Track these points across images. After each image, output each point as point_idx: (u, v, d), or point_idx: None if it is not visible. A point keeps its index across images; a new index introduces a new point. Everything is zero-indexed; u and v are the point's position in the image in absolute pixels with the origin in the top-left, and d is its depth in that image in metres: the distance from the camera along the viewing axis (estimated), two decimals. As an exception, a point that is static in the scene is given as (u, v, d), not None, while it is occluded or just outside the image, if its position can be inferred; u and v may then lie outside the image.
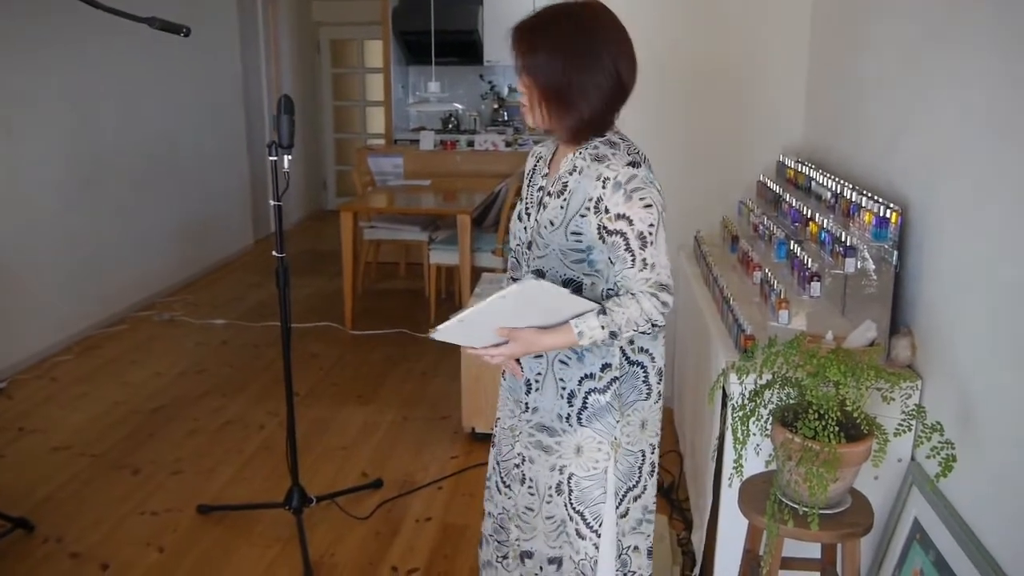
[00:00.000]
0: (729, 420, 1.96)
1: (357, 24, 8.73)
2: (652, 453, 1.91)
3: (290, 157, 2.69)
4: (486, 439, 3.68)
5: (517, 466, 1.96)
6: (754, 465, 2.08)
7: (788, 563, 2.09)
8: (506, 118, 8.06)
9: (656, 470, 1.93)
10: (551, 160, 1.88)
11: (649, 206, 1.68)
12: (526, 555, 1.97)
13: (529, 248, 1.84)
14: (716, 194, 3.73)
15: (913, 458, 2.23)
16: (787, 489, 1.90)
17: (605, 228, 1.70)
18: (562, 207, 1.75)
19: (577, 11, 1.71)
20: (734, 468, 1.87)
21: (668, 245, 1.74)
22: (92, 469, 3.44)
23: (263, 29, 7.76)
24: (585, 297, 1.72)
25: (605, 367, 1.81)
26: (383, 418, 3.94)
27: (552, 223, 1.76)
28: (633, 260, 1.69)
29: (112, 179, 5.28)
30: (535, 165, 1.93)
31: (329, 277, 6.37)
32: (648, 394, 1.86)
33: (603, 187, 1.69)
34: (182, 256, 6.20)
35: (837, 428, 1.74)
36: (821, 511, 1.81)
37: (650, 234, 1.68)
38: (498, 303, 1.61)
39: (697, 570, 2.66)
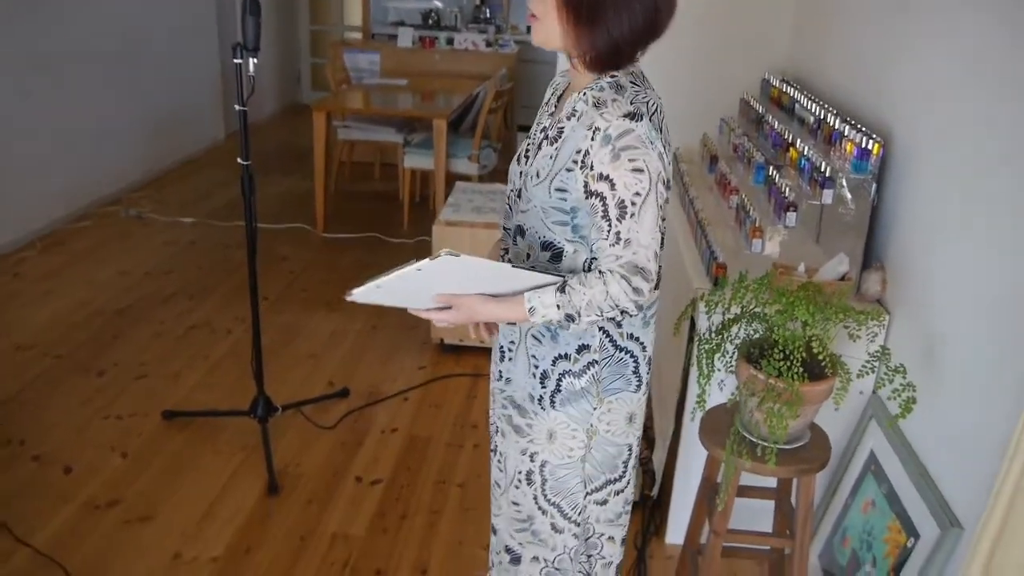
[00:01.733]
0: (695, 352, 1.95)
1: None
2: (637, 446, 1.73)
3: (255, 61, 2.57)
4: (454, 351, 3.68)
5: (495, 432, 1.80)
6: (717, 398, 2.09)
7: (744, 491, 2.12)
8: (488, 15, 7.79)
9: (637, 463, 1.77)
10: (561, 95, 1.62)
11: (639, 171, 1.38)
12: (492, 530, 1.87)
13: (519, 198, 1.59)
14: (698, 110, 3.63)
15: (875, 391, 2.25)
16: (748, 424, 1.90)
17: (588, 187, 1.43)
18: (551, 157, 1.49)
19: None
20: (696, 403, 1.86)
21: (665, 223, 1.49)
22: (56, 370, 3.41)
23: (235, -91, 7.36)
24: (552, 272, 1.48)
25: (582, 348, 1.58)
26: (352, 326, 3.92)
27: (539, 174, 1.51)
28: (608, 231, 1.41)
29: (75, 68, 5.06)
30: (549, 99, 1.66)
31: (302, 176, 6.24)
32: (638, 386, 1.64)
33: (592, 138, 1.41)
34: (150, 150, 6.02)
35: (801, 368, 1.73)
36: (780, 446, 1.82)
37: (633, 204, 1.39)
38: (413, 274, 1.39)
39: (656, 489, 2.70)
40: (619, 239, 1.41)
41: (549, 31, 1.46)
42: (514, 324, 1.63)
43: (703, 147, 3.37)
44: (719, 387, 2.05)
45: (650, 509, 2.69)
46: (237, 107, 2.64)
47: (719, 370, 1.88)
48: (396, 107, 5.52)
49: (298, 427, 3.10)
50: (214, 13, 6.96)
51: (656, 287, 1.51)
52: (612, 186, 1.40)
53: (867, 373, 1.85)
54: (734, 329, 1.91)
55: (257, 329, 2.87)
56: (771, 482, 2.15)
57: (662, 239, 1.48)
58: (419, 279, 1.44)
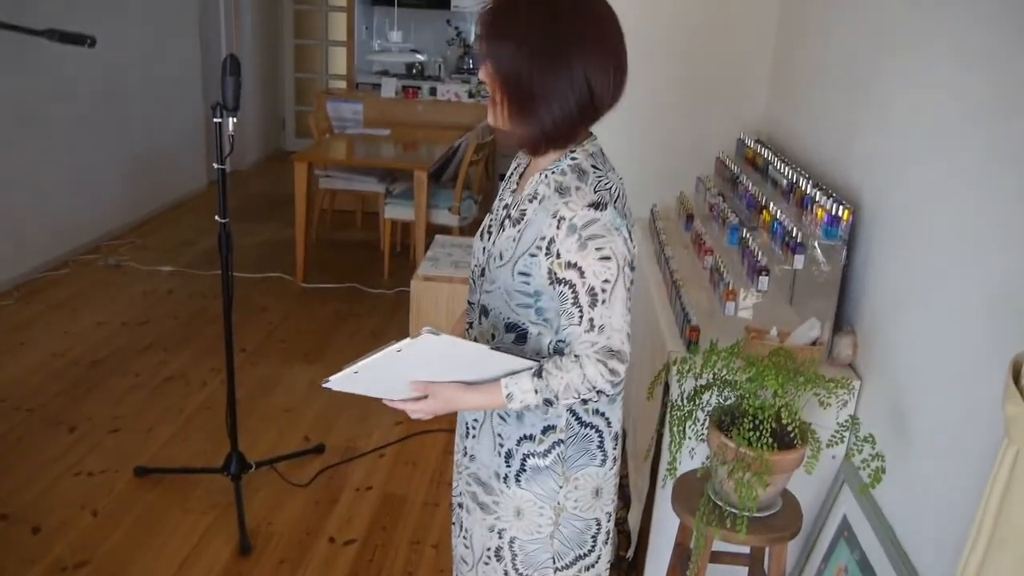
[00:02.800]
0: (668, 417, 1.96)
1: (321, -41, 8.45)
2: (608, 521, 1.70)
3: (235, 120, 2.59)
4: (432, 406, 3.67)
5: (459, 506, 1.77)
6: (690, 463, 2.09)
7: (717, 557, 2.12)
8: (471, 66, 7.90)
9: (610, 538, 1.74)
10: (523, 173, 1.62)
11: (607, 259, 1.41)
12: None
13: (482, 275, 1.60)
14: (675, 167, 3.69)
15: (847, 456, 2.26)
16: (720, 491, 1.91)
17: (555, 275, 1.45)
18: (514, 240, 1.50)
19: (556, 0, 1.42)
20: (668, 470, 1.87)
21: (637, 305, 1.50)
22: (26, 425, 3.37)
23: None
24: (517, 354, 1.47)
25: (547, 429, 1.57)
26: (330, 379, 3.89)
27: (502, 256, 1.52)
28: (580, 318, 1.43)
29: (55, 114, 5.08)
30: (511, 174, 1.67)
31: (283, 224, 6.24)
32: (603, 460, 1.63)
33: (557, 227, 1.43)
34: (131, 197, 6.02)
35: (771, 439, 1.74)
36: (751, 515, 1.82)
37: (603, 291, 1.41)
38: (392, 356, 1.37)
39: (631, 551, 2.69)
40: (592, 326, 1.43)
41: (498, 115, 1.49)
42: None
43: (680, 205, 3.41)
44: (690, 455, 2.06)
45: (625, 571, 2.67)
46: (216, 165, 2.66)
47: (690, 438, 1.89)
48: (379, 157, 5.56)
49: (272, 484, 3.07)
50: (198, 63, 7.01)
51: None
52: (581, 274, 1.42)
53: (837, 443, 1.86)
54: (706, 396, 1.92)
55: (232, 387, 2.86)
56: (744, 548, 2.14)
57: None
58: (397, 362, 1.42)
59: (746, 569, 2.18)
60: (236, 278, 2.78)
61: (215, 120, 2.59)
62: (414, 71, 7.67)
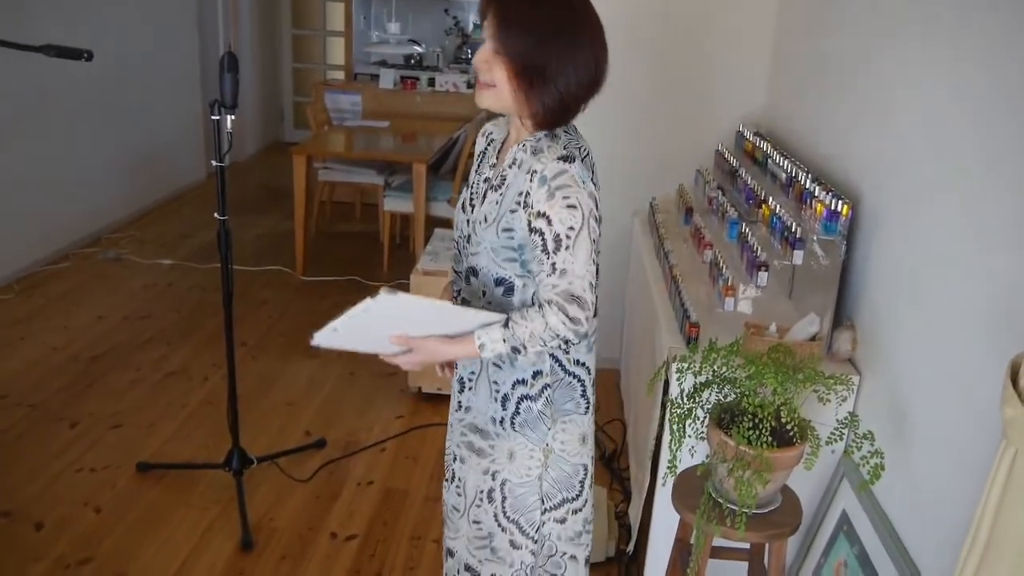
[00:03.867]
0: (668, 415, 1.96)
1: (319, -51, 8.40)
2: (592, 466, 1.83)
3: (233, 117, 2.59)
4: (432, 399, 3.68)
5: (453, 459, 1.90)
6: (690, 460, 2.10)
7: (718, 552, 2.12)
8: (469, 55, 7.86)
9: (593, 483, 1.87)
10: (500, 148, 1.75)
11: (573, 207, 1.53)
12: (449, 553, 1.93)
13: (468, 242, 1.73)
14: (674, 159, 3.69)
15: (847, 452, 2.27)
16: (720, 488, 1.91)
17: (531, 224, 1.57)
18: (497, 203, 1.63)
19: None
20: (668, 468, 1.87)
21: (604, 256, 1.61)
22: (28, 421, 3.37)
23: (219, -51, 7.41)
24: (491, 310, 1.59)
25: (536, 374, 1.71)
26: (330, 373, 3.91)
27: (487, 219, 1.65)
28: (546, 262, 1.55)
29: (53, 108, 5.07)
30: (485, 149, 1.79)
31: (283, 216, 6.24)
32: (587, 408, 1.78)
33: (531, 180, 1.56)
34: (130, 189, 6.01)
35: (770, 437, 1.75)
36: (751, 512, 1.83)
37: (567, 237, 1.52)
38: (363, 314, 1.47)
39: (631, 546, 2.70)
40: (555, 269, 1.54)
41: (503, 98, 1.59)
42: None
43: (679, 198, 3.40)
44: (690, 453, 2.07)
45: (626, 565, 2.68)
46: (214, 163, 2.65)
47: (690, 436, 1.90)
48: (377, 149, 5.55)
49: (274, 479, 3.08)
50: (197, 56, 6.99)
51: (595, 315, 1.62)
52: (549, 222, 1.54)
53: (836, 440, 1.87)
54: (705, 394, 1.92)
55: (233, 383, 2.87)
56: (745, 543, 2.15)
57: (597, 270, 1.61)
58: (370, 319, 1.52)
59: (746, 564, 2.19)
60: (236, 271, 2.79)
61: (213, 117, 2.58)
62: (412, 61, 7.64)
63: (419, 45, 6.56)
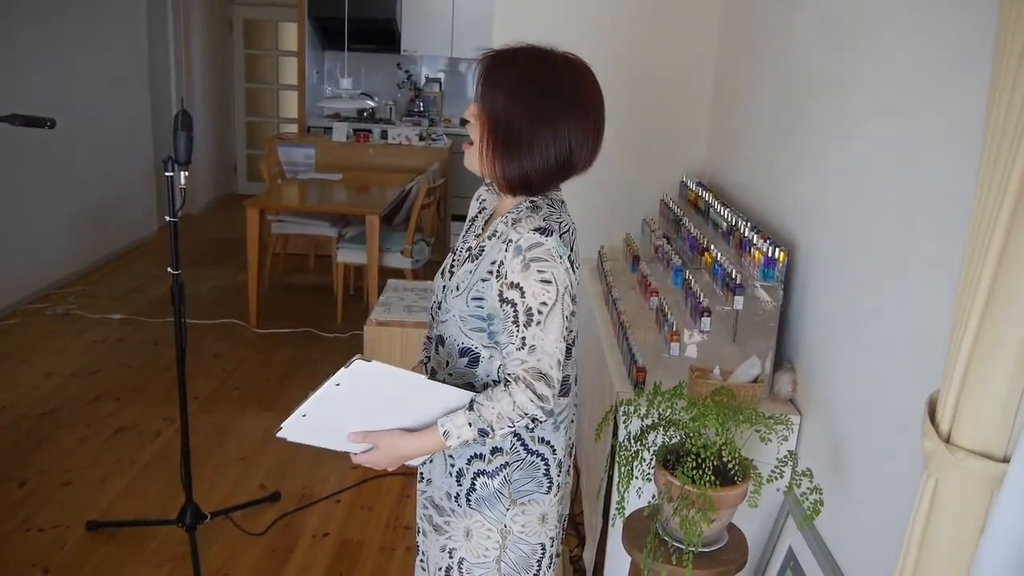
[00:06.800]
0: (616, 457, 2.02)
1: (272, 5, 8.52)
2: (551, 546, 1.77)
3: (186, 173, 2.63)
4: (388, 449, 3.68)
5: (419, 532, 1.86)
6: (639, 501, 2.15)
7: (669, 592, 2.17)
8: (422, 108, 8.00)
9: (554, 562, 1.81)
10: (489, 218, 1.72)
11: (548, 282, 1.49)
12: None
13: (439, 309, 1.69)
14: (622, 209, 3.79)
15: (789, 489, 2.34)
16: (667, 527, 1.97)
17: (502, 295, 1.53)
18: (470, 272, 1.60)
19: (555, 63, 1.56)
20: (617, 509, 1.93)
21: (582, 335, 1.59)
22: (-25, 481, 3.32)
23: (171, 2, 7.48)
24: (469, 379, 1.57)
25: (495, 451, 1.65)
26: (285, 425, 3.89)
27: (458, 287, 1.61)
28: (516, 335, 1.50)
29: (0, 165, 5.03)
30: (475, 217, 1.76)
31: (236, 268, 6.24)
32: (549, 488, 1.70)
33: (505, 250, 1.52)
34: (80, 243, 5.97)
35: (713, 477, 1.81)
36: (698, 550, 1.89)
37: (539, 312, 1.48)
38: (333, 391, 1.42)
39: (587, 589, 2.73)
40: (524, 344, 1.50)
41: (475, 157, 1.60)
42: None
43: (627, 246, 3.51)
44: (637, 494, 2.12)
45: (581, 609, 2.71)
46: (168, 218, 2.68)
47: (638, 477, 1.95)
48: (330, 202, 5.60)
49: (228, 534, 3.06)
50: (148, 107, 7.01)
51: (565, 395, 1.63)
52: (522, 294, 1.50)
53: (776, 478, 1.94)
54: (651, 436, 1.99)
55: (186, 437, 2.86)
56: (694, 582, 2.20)
57: (568, 349, 1.59)
58: (340, 400, 1.48)
59: (696, 603, 2.23)
60: (188, 325, 2.79)
61: (167, 174, 2.62)
62: (365, 115, 7.74)
63: (372, 99, 6.66)
